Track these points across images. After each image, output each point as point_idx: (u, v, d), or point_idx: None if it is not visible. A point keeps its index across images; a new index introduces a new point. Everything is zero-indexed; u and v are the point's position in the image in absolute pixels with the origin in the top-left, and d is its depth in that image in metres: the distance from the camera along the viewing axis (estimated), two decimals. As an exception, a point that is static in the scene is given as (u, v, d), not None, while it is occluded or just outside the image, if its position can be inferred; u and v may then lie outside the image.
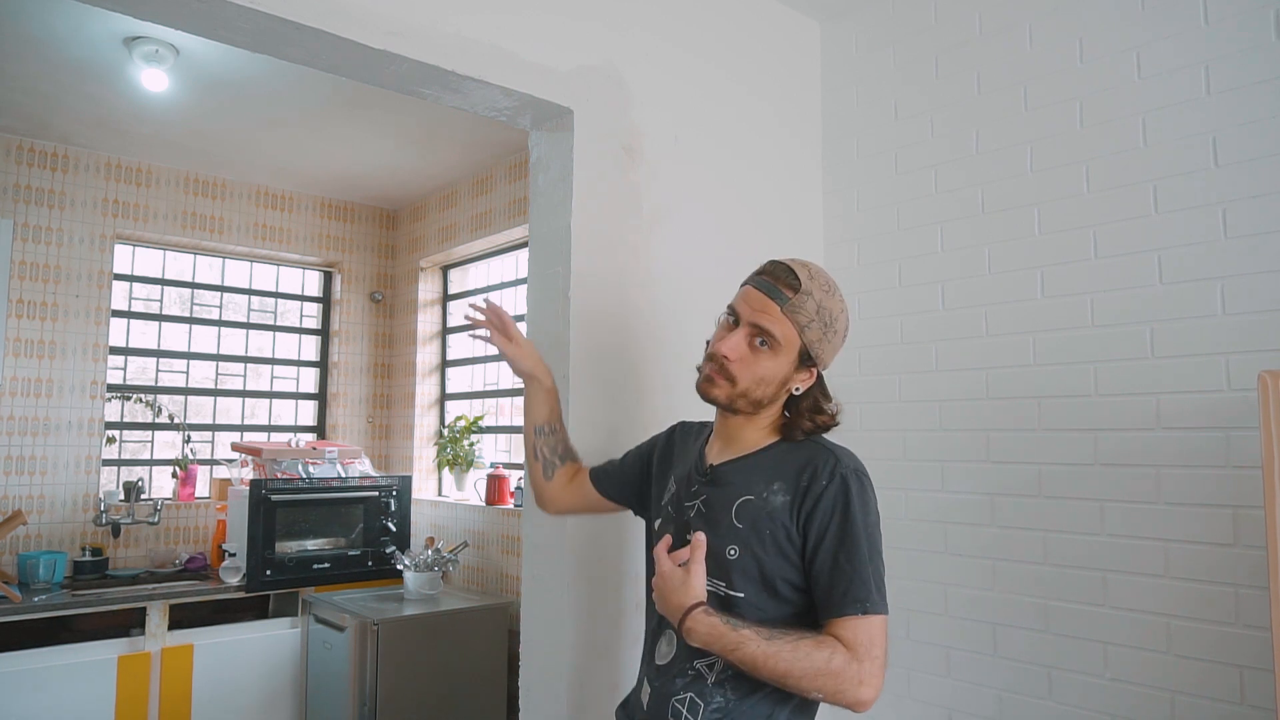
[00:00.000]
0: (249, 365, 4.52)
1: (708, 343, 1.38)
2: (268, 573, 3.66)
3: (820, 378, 1.36)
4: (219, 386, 4.42)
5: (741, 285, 1.35)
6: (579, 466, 1.68)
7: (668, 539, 1.32)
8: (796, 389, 1.33)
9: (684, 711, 1.26)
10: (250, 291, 4.55)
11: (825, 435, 1.37)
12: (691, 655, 1.27)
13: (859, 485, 1.25)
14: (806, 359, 1.31)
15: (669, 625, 1.29)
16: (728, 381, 1.29)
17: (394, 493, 4.09)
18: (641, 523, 1.60)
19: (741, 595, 1.25)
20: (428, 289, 4.69)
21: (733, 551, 1.26)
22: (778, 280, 1.28)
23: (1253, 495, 1.68)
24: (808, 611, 1.25)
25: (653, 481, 1.51)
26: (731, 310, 1.33)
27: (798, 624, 1.24)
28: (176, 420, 4.21)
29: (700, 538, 1.25)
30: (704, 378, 1.33)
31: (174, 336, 4.30)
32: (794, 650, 1.15)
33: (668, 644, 1.33)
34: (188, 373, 4.32)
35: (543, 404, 1.66)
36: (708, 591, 1.25)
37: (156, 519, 3.88)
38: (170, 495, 4.11)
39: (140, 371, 4.19)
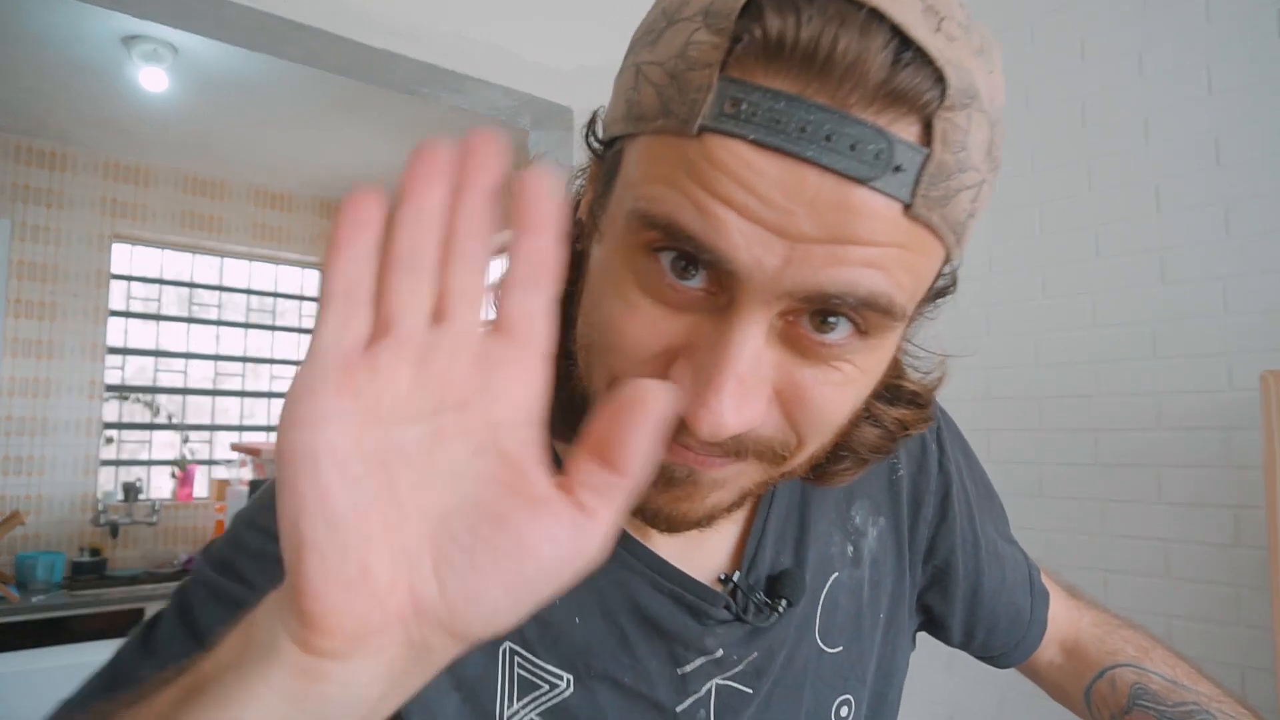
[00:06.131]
0: (247, 365, 4.51)
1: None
2: (267, 573, 3.65)
3: None
4: (217, 386, 4.41)
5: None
6: None
7: None
8: None
9: None
10: (249, 291, 4.54)
11: None
12: None
13: (959, 432, 0.68)
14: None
15: None
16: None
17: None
18: None
19: None
20: (427, 289, 4.68)
21: (846, 709, 0.59)
22: (872, 104, 0.34)
23: (1254, 495, 1.68)
24: None
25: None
26: (691, 264, 0.38)
27: None
28: (175, 420, 4.20)
29: None
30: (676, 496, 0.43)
31: (172, 336, 4.29)
32: None
33: None
34: (186, 372, 4.31)
35: None
36: None
37: (155, 519, 3.87)
38: (169, 495, 4.11)
39: (139, 371, 4.18)
